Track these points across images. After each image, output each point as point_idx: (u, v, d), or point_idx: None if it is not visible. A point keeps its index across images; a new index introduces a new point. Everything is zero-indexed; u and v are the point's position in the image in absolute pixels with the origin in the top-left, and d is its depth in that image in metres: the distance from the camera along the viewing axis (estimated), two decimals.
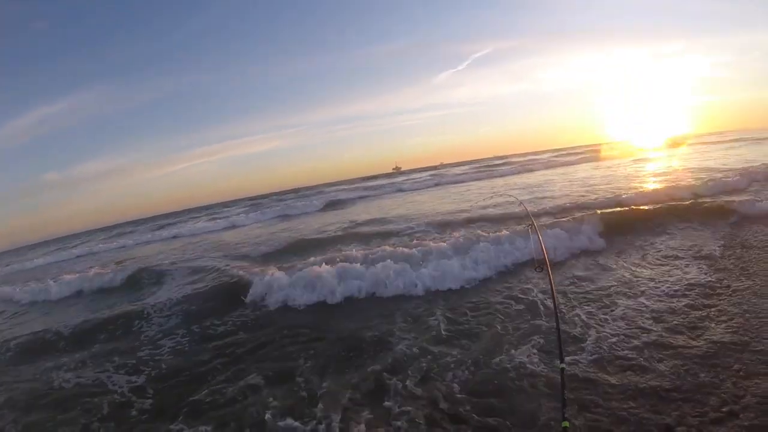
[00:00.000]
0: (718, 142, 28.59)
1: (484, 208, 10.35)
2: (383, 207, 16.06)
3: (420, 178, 32.06)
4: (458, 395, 2.92)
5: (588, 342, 3.31)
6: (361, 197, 23.06)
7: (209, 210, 41.35)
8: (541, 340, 3.46)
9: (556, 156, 37.26)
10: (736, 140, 27.20)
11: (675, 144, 32.38)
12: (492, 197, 11.63)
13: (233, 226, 17.77)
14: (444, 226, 9.04)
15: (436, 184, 24.13)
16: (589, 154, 30.16)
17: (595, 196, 10.22)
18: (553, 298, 2.41)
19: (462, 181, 23.99)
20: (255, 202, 37.33)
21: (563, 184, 14.22)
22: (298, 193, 43.73)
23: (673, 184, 10.14)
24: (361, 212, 15.12)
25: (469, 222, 8.95)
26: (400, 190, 23.92)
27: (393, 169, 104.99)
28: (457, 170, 36.95)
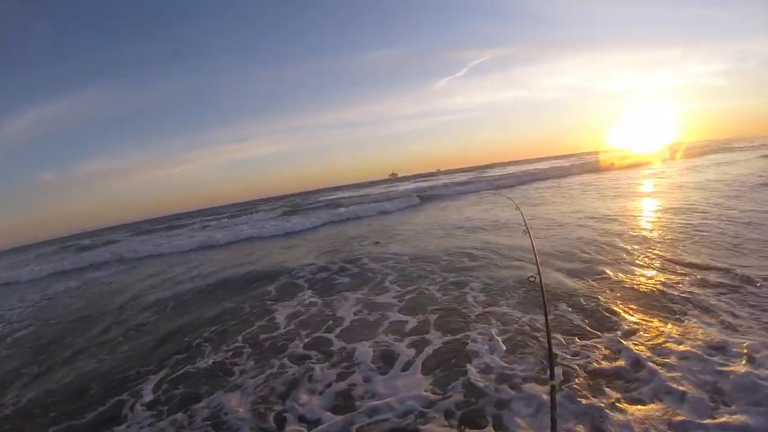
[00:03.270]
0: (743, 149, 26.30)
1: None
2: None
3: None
4: None
5: None
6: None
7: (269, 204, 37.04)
8: None
9: (572, 162, 34.11)
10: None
11: (676, 151, 29.97)
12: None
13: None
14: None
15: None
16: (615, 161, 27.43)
17: None
18: (545, 310, 2.04)
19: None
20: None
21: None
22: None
23: None
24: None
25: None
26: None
27: (390, 175, 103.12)
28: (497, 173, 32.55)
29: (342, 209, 16.54)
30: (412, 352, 3.19)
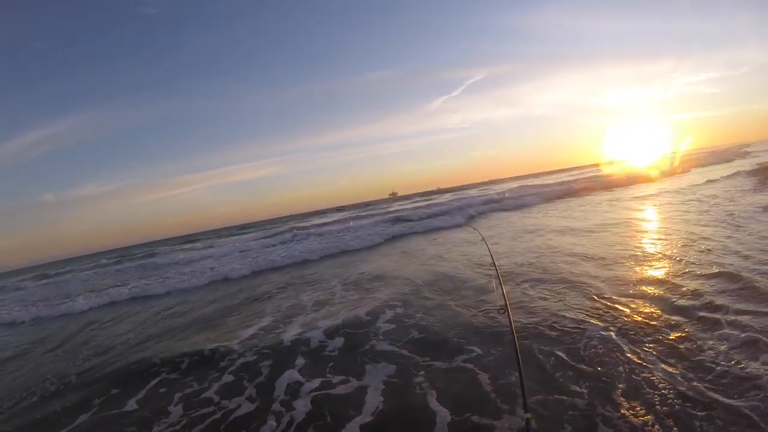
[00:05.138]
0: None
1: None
2: None
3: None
4: None
5: None
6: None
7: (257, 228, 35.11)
8: None
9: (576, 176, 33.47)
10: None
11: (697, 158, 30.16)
12: None
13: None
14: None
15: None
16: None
17: None
18: (514, 342, 1.97)
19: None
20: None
21: None
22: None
23: None
24: None
25: None
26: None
27: (390, 194, 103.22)
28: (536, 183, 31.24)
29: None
30: None
